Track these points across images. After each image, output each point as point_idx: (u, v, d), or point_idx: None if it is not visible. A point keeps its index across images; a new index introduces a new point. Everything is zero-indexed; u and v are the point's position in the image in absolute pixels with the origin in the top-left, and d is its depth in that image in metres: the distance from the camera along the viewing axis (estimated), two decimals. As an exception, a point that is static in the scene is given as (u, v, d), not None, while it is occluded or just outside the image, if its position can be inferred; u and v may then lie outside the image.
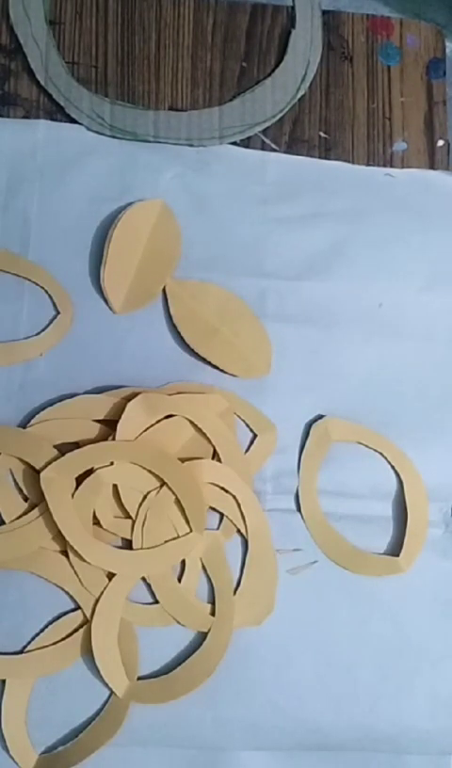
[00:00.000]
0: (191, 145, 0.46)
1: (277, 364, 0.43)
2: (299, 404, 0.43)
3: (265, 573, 0.40)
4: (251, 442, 0.42)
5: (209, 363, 0.42)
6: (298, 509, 0.42)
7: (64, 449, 0.39)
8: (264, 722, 0.39)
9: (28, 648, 0.38)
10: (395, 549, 0.42)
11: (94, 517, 0.38)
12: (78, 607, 0.38)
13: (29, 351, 0.41)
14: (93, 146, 0.45)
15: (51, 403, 0.40)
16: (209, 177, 0.45)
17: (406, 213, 0.47)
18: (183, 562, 0.40)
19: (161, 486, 0.39)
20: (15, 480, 0.39)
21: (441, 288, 0.46)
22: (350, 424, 0.43)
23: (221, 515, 0.41)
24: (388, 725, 0.40)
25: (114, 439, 0.39)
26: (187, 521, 0.39)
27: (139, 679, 0.38)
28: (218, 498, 0.40)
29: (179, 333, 0.42)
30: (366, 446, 0.43)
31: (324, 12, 0.49)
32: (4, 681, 0.37)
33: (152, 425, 0.40)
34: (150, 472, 0.39)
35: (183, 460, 0.39)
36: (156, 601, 0.39)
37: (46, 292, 0.42)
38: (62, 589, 0.39)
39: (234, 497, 0.40)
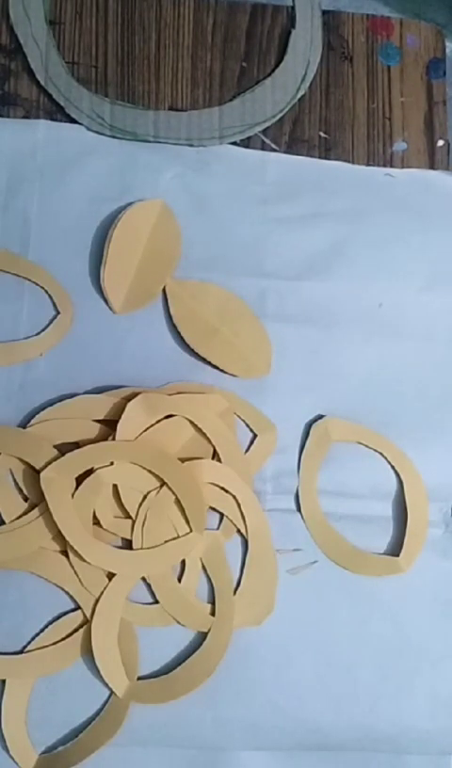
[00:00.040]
0: (191, 145, 0.46)
1: (277, 364, 0.43)
2: (299, 404, 0.43)
3: (265, 573, 0.40)
4: (251, 442, 0.42)
5: (209, 363, 0.42)
6: (298, 509, 0.42)
7: (64, 449, 0.39)
8: (264, 722, 0.39)
9: (28, 648, 0.38)
10: (395, 549, 0.42)
11: (94, 517, 0.38)
12: (78, 607, 0.38)
13: (29, 351, 0.41)
14: (93, 146, 0.45)
15: (51, 403, 0.40)
16: (209, 177, 0.45)
17: (406, 213, 0.47)
18: (183, 562, 0.40)
19: (161, 486, 0.39)
20: (15, 480, 0.39)
21: (441, 288, 0.46)
22: (350, 424, 0.43)
23: (221, 515, 0.41)
24: (388, 725, 0.40)
25: (114, 439, 0.39)
26: (187, 521, 0.39)
27: (139, 679, 0.38)
28: (218, 498, 0.40)
29: (179, 333, 0.42)
30: (366, 446, 0.43)
31: (324, 12, 0.49)
32: (4, 681, 0.37)
33: (152, 425, 0.40)
34: (150, 471, 0.39)
35: (183, 460, 0.39)
36: (156, 601, 0.39)
37: (46, 292, 0.42)
38: (62, 589, 0.39)
39: (234, 497, 0.40)
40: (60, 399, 0.41)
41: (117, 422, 0.39)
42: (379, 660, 0.41)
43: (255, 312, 0.44)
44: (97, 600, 0.38)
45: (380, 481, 0.43)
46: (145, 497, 0.39)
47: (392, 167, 0.48)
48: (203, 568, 0.40)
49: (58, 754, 0.37)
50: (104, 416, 0.40)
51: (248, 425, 0.42)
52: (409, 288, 0.46)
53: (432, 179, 0.48)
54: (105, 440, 0.39)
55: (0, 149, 0.44)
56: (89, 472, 0.38)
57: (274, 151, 0.47)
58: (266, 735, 0.39)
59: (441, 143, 0.49)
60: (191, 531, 0.39)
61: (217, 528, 0.41)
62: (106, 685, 0.38)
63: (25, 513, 0.38)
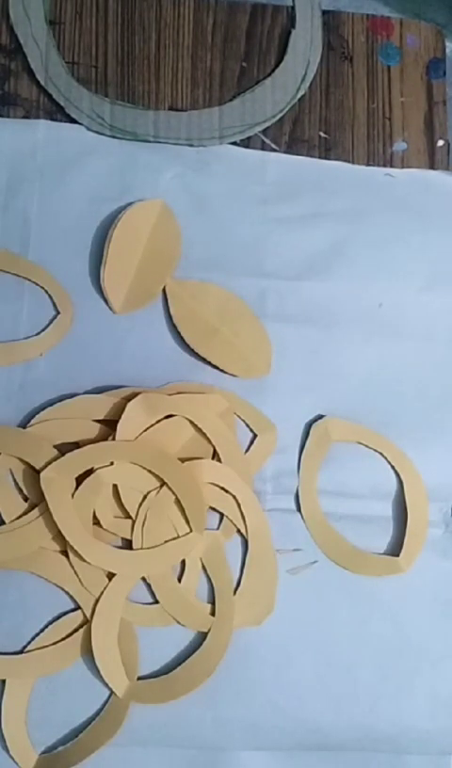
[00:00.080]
0: (191, 145, 0.46)
1: (277, 364, 0.43)
2: (299, 404, 0.43)
3: (265, 573, 0.40)
4: (251, 442, 0.42)
5: (209, 363, 0.42)
6: (298, 509, 0.42)
7: (64, 449, 0.39)
8: (264, 722, 0.39)
9: (28, 648, 0.38)
10: (395, 549, 0.42)
11: (94, 517, 0.38)
12: (78, 607, 0.38)
13: (29, 351, 0.41)
14: (93, 146, 0.45)
15: (51, 403, 0.40)
16: (209, 177, 0.45)
17: (406, 213, 0.47)
18: (183, 562, 0.40)
19: (161, 486, 0.39)
20: (15, 480, 0.39)
21: (441, 288, 0.46)
22: (350, 424, 0.43)
23: (221, 515, 0.41)
24: (388, 725, 0.40)
25: (114, 439, 0.39)
26: (187, 521, 0.39)
27: (139, 679, 0.38)
28: (218, 498, 0.40)
29: (179, 333, 0.42)
30: (366, 446, 0.43)
31: (324, 12, 0.49)
32: (4, 681, 0.37)
33: (152, 425, 0.40)
34: (150, 471, 0.39)
35: (183, 460, 0.39)
36: (156, 601, 0.39)
37: (46, 292, 0.42)
38: (62, 589, 0.39)
39: (234, 497, 0.40)
40: (60, 399, 0.41)
41: (117, 422, 0.39)
42: (379, 660, 0.41)
43: (255, 311, 0.44)
44: (97, 600, 0.38)
45: (380, 481, 0.43)
46: (145, 497, 0.39)
47: (392, 167, 0.48)
48: (203, 567, 0.40)
49: (58, 754, 0.37)
50: (105, 416, 0.40)
51: (248, 425, 0.42)
52: (409, 288, 0.46)
53: (432, 179, 0.48)
54: (105, 440, 0.39)
55: (0, 149, 0.44)
56: (89, 472, 0.38)
57: (274, 151, 0.47)
58: (266, 735, 0.39)
59: (441, 143, 0.49)
60: (191, 531, 0.39)
61: (217, 528, 0.41)
62: (106, 685, 0.38)
63: (25, 513, 0.38)
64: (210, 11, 0.48)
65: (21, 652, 0.38)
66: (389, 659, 0.41)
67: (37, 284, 0.42)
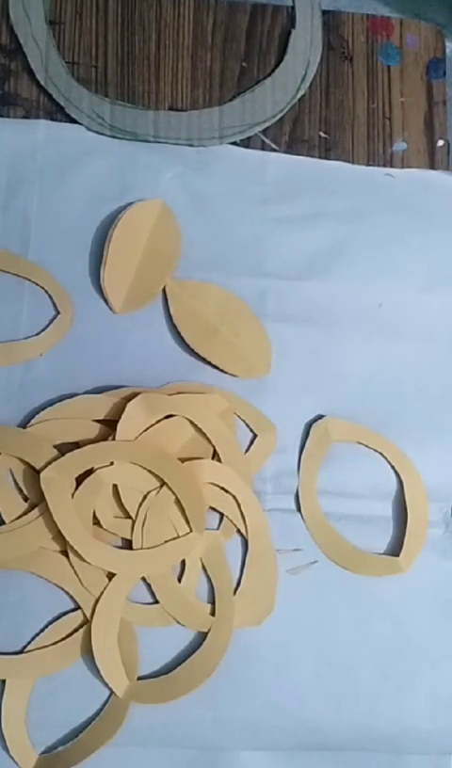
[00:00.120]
0: (191, 145, 0.46)
1: (277, 364, 0.43)
2: (299, 404, 0.43)
3: (265, 573, 0.40)
4: (251, 442, 0.42)
5: (209, 363, 0.42)
6: (298, 509, 0.42)
7: (64, 449, 0.39)
8: (264, 722, 0.39)
9: (28, 648, 0.38)
10: (395, 549, 0.42)
11: (94, 517, 0.38)
12: (78, 607, 0.38)
13: (29, 351, 0.41)
14: (93, 146, 0.45)
15: (51, 403, 0.40)
16: (209, 177, 0.45)
17: (406, 213, 0.47)
18: (183, 562, 0.40)
19: (161, 486, 0.39)
20: (15, 480, 0.39)
21: (441, 288, 0.46)
22: (350, 424, 0.43)
23: (221, 515, 0.41)
24: (388, 725, 0.40)
25: (114, 439, 0.39)
26: (187, 521, 0.39)
27: (139, 679, 0.38)
28: (218, 498, 0.40)
29: (179, 333, 0.42)
30: (366, 446, 0.43)
31: (324, 12, 0.49)
32: (4, 681, 0.37)
33: (152, 425, 0.40)
34: (150, 471, 0.39)
35: (183, 460, 0.39)
36: (156, 601, 0.39)
37: (46, 292, 0.42)
38: (62, 589, 0.39)
39: (234, 497, 0.40)
40: (60, 399, 0.41)
41: (117, 422, 0.39)
42: (379, 660, 0.41)
43: (255, 311, 0.44)
44: (97, 600, 0.38)
45: (380, 481, 0.43)
46: (145, 497, 0.39)
47: (392, 167, 0.48)
48: (203, 567, 0.40)
49: (58, 754, 0.37)
50: (105, 416, 0.40)
51: (248, 425, 0.42)
52: (409, 288, 0.46)
53: (432, 179, 0.48)
54: (105, 440, 0.39)
55: (0, 149, 0.44)
56: (89, 472, 0.38)
57: (274, 151, 0.47)
58: (266, 735, 0.39)
59: (441, 143, 0.49)
60: (191, 531, 0.39)
61: (217, 528, 0.41)
62: (106, 685, 0.38)
63: (25, 513, 0.38)
64: (210, 11, 0.48)
65: (21, 652, 0.38)
66: (389, 659, 0.41)
67: (37, 284, 0.42)
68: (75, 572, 0.38)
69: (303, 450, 0.42)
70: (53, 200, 0.43)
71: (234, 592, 0.40)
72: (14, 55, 0.45)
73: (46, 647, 0.38)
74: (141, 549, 0.39)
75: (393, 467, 0.43)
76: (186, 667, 0.38)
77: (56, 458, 0.38)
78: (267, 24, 0.48)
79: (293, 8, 0.48)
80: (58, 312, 0.42)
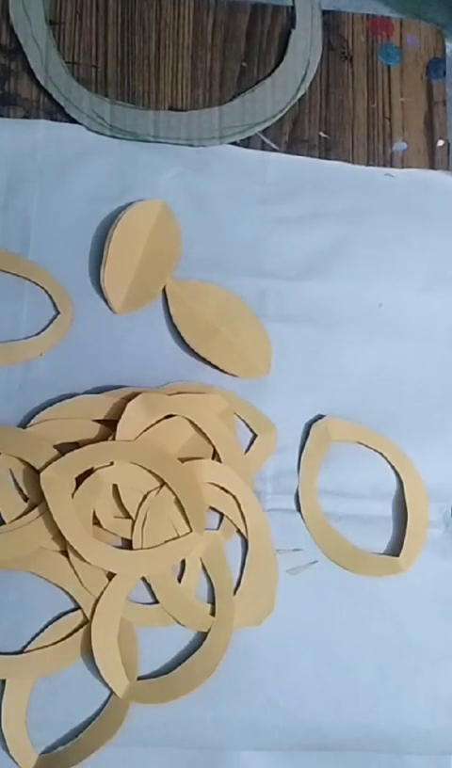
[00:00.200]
0: (191, 145, 0.46)
1: (277, 364, 0.43)
2: (299, 404, 0.43)
3: (265, 573, 0.40)
4: (251, 442, 0.42)
5: (209, 363, 0.42)
6: (298, 509, 0.42)
7: (64, 449, 0.39)
8: (264, 722, 0.39)
9: (28, 648, 0.38)
10: (395, 549, 0.42)
11: (94, 517, 0.38)
12: (78, 607, 0.38)
13: (29, 351, 0.41)
14: (93, 146, 0.45)
15: (51, 403, 0.40)
16: (209, 177, 0.45)
17: (406, 213, 0.47)
18: (183, 562, 0.40)
19: (161, 486, 0.39)
20: (15, 480, 0.39)
21: (441, 288, 0.46)
22: (350, 424, 0.43)
23: (221, 515, 0.41)
24: (388, 725, 0.40)
25: (114, 439, 0.39)
26: (187, 521, 0.39)
27: (139, 679, 0.38)
28: (218, 498, 0.40)
29: (179, 333, 0.42)
30: (366, 446, 0.43)
31: (324, 12, 0.49)
32: (4, 681, 0.37)
33: (152, 425, 0.40)
34: (150, 471, 0.39)
35: (183, 460, 0.39)
36: (156, 601, 0.39)
37: (46, 292, 0.42)
38: (62, 589, 0.39)
39: (234, 497, 0.40)
40: (60, 399, 0.41)
41: (117, 422, 0.39)
42: (379, 660, 0.41)
43: (255, 311, 0.44)
44: (97, 600, 0.38)
45: (380, 481, 0.43)
46: (145, 497, 0.39)
47: (392, 167, 0.48)
48: (203, 567, 0.40)
49: (58, 754, 0.37)
50: (105, 416, 0.40)
51: (248, 425, 0.42)
52: (409, 288, 0.46)
53: (432, 179, 0.48)
54: (105, 440, 0.39)
55: (0, 149, 0.44)
56: (89, 472, 0.38)
57: (274, 151, 0.47)
58: (266, 735, 0.39)
59: (441, 143, 0.49)
60: (191, 531, 0.39)
61: (217, 528, 0.41)
62: (106, 685, 0.38)
63: (25, 513, 0.38)
64: (210, 11, 0.48)
65: (21, 652, 0.38)
66: (389, 659, 0.41)
67: (37, 284, 0.42)
68: (75, 572, 0.38)
69: (303, 450, 0.42)
70: (53, 200, 0.43)
71: (234, 592, 0.40)
72: (14, 55, 0.45)
73: (46, 647, 0.38)
74: (141, 549, 0.39)
75: (393, 467, 0.43)
76: (186, 667, 0.38)
77: (56, 458, 0.38)
78: (267, 24, 0.48)
79: (293, 8, 0.48)
80: (58, 312, 0.42)
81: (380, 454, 0.43)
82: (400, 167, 0.48)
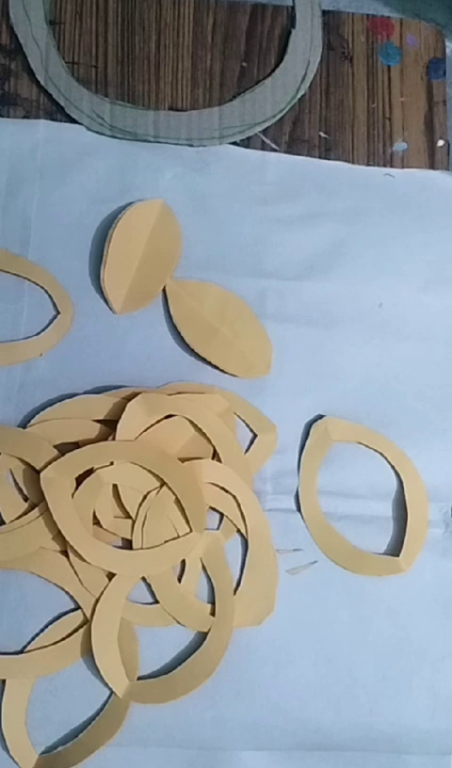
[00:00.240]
0: (191, 145, 0.46)
1: (277, 364, 0.43)
2: (299, 404, 0.43)
3: (265, 573, 0.40)
4: (251, 442, 0.42)
5: (209, 363, 0.42)
6: (298, 509, 0.42)
7: (64, 449, 0.39)
8: (264, 722, 0.39)
9: (28, 648, 0.38)
10: (395, 549, 0.42)
11: (94, 517, 0.38)
12: (78, 607, 0.38)
13: (29, 351, 0.41)
14: (93, 146, 0.45)
15: (51, 403, 0.40)
16: (209, 177, 0.45)
17: (406, 213, 0.47)
18: (183, 562, 0.40)
19: (161, 486, 0.39)
20: (15, 480, 0.39)
21: (441, 288, 0.46)
22: (350, 424, 0.43)
23: (221, 515, 0.41)
24: (388, 725, 0.40)
25: (114, 439, 0.39)
26: (187, 521, 0.39)
27: (139, 679, 0.38)
28: (218, 498, 0.40)
29: (179, 333, 0.42)
30: (366, 446, 0.43)
31: (324, 12, 0.49)
32: (4, 681, 0.37)
33: (152, 425, 0.40)
34: (150, 471, 0.39)
35: (183, 460, 0.39)
36: (156, 601, 0.39)
37: (46, 292, 0.42)
38: (62, 589, 0.39)
39: (234, 497, 0.40)
40: (60, 399, 0.41)
41: (117, 422, 0.39)
42: (379, 660, 0.41)
43: (255, 311, 0.44)
44: (97, 600, 0.38)
45: (380, 481, 0.43)
46: (145, 497, 0.39)
47: (392, 167, 0.48)
48: (203, 567, 0.40)
49: (58, 754, 0.37)
50: (105, 416, 0.40)
51: (248, 425, 0.42)
52: (409, 288, 0.46)
53: (432, 179, 0.48)
54: (105, 440, 0.39)
55: (0, 149, 0.44)
56: (89, 472, 0.38)
57: (274, 151, 0.47)
58: (266, 735, 0.39)
59: (441, 143, 0.49)
60: (191, 531, 0.39)
61: (217, 528, 0.41)
62: (106, 685, 0.38)
63: (25, 513, 0.38)
64: (210, 11, 0.48)
65: (21, 652, 0.38)
66: (389, 659, 0.41)
67: (37, 284, 0.42)
68: (75, 572, 0.38)
69: (303, 450, 0.42)
70: (53, 200, 0.43)
71: (234, 592, 0.40)
72: (14, 55, 0.45)
73: (46, 647, 0.38)
74: (141, 549, 0.39)
75: (393, 467, 0.43)
76: (186, 667, 0.38)
77: (56, 458, 0.38)
78: (267, 24, 0.48)
79: (293, 8, 0.48)
80: (58, 312, 0.42)
81: (380, 454, 0.43)
82: (400, 167, 0.48)
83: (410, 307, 0.45)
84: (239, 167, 0.46)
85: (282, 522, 0.41)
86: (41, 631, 0.38)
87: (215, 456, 0.41)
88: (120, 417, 0.39)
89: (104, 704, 0.38)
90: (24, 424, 0.40)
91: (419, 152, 0.48)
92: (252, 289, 0.44)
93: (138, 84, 0.46)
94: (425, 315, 0.45)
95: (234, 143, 0.46)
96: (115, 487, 0.39)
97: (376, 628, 0.41)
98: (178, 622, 0.39)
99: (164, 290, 0.43)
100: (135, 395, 0.40)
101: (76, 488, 0.38)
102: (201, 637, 0.39)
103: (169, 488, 0.39)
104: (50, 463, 0.38)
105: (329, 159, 0.47)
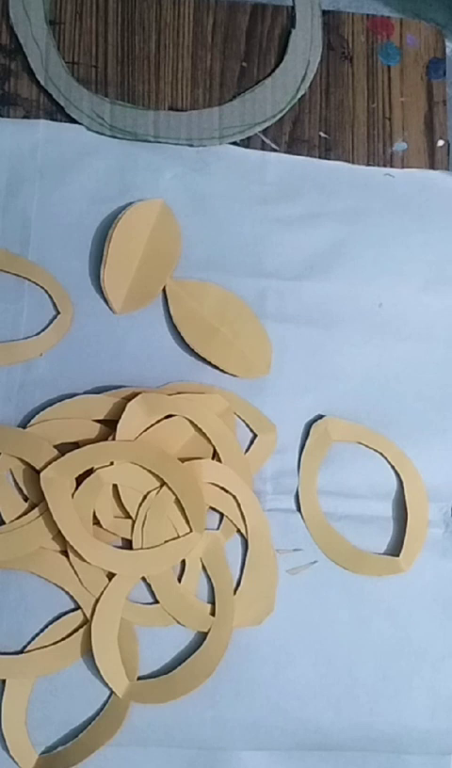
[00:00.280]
0: (191, 145, 0.46)
1: (277, 364, 0.43)
2: (299, 404, 0.43)
3: (265, 573, 0.40)
4: (251, 442, 0.42)
5: (209, 363, 0.42)
6: (298, 509, 0.42)
7: (64, 449, 0.39)
8: (264, 722, 0.39)
9: (28, 648, 0.38)
10: (395, 549, 0.42)
11: (94, 517, 0.38)
12: (78, 607, 0.38)
13: (29, 351, 0.41)
14: (93, 146, 0.45)
15: (51, 403, 0.40)
16: (209, 177, 0.45)
17: (406, 213, 0.47)
18: (183, 562, 0.40)
19: (161, 486, 0.39)
20: (15, 480, 0.39)
21: (441, 288, 0.46)
22: (350, 424, 0.43)
23: (221, 515, 0.41)
24: (388, 725, 0.40)
25: (114, 439, 0.39)
26: (187, 521, 0.39)
27: (139, 679, 0.38)
28: (218, 498, 0.40)
29: (179, 333, 0.42)
30: (366, 446, 0.43)
31: (324, 12, 0.49)
32: (4, 681, 0.37)
33: (152, 425, 0.40)
34: (150, 471, 0.39)
35: (183, 460, 0.39)
36: (156, 601, 0.39)
37: (46, 292, 0.42)
38: (62, 589, 0.39)
39: (234, 497, 0.40)
40: (60, 399, 0.41)
41: (117, 422, 0.39)
42: (379, 660, 0.41)
43: (255, 311, 0.44)
44: (97, 600, 0.38)
45: (380, 481, 0.43)
46: (145, 497, 0.39)
47: (392, 167, 0.48)
48: (203, 568, 0.40)
49: (58, 754, 0.37)
50: (105, 416, 0.40)
51: (248, 425, 0.42)
52: (409, 288, 0.46)
53: (432, 179, 0.48)
54: (105, 440, 0.39)
55: (0, 149, 0.44)
56: (89, 472, 0.38)
57: (274, 151, 0.47)
58: (266, 735, 0.39)
59: (441, 143, 0.49)
60: (191, 531, 0.39)
61: (217, 528, 0.41)
62: (106, 685, 0.38)
63: (25, 513, 0.38)
64: (210, 11, 0.48)
65: (21, 652, 0.38)
66: (389, 659, 0.41)
67: (37, 284, 0.42)
68: (75, 572, 0.38)
69: (303, 450, 0.42)
70: (53, 200, 0.43)
71: (234, 592, 0.40)
72: (14, 55, 0.45)
73: (46, 647, 0.38)
74: (141, 549, 0.39)
75: (393, 467, 0.43)
76: (186, 667, 0.38)
77: (56, 458, 0.38)
78: (267, 24, 0.48)
79: (293, 8, 0.48)
80: (58, 312, 0.42)
81: (380, 454, 0.43)
82: (400, 167, 0.48)
83: (410, 307, 0.45)
84: (239, 167, 0.46)
85: (282, 522, 0.41)
86: (41, 631, 0.38)
87: (215, 455, 0.41)
88: (120, 417, 0.39)
89: (104, 704, 0.38)
90: (24, 424, 0.40)
91: (419, 152, 0.48)
92: (252, 289, 0.44)
93: (138, 84, 0.46)
94: (425, 315, 0.45)
95: (234, 143, 0.46)
96: (115, 487, 0.39)
97: (376, 628, 0.41)
98: (178, 622, 0.39)
99: (164, 290, 0.43)
100: (135, 395, 0.40)
101: (76, 488, 0.38)
102: (201, 637, 0.39)
103: (169, 488, 0.39)
104: (50, 463, 0.38)
105: (329, 159, 0.47)
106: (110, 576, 0.38)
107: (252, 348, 0.43)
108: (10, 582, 0.39)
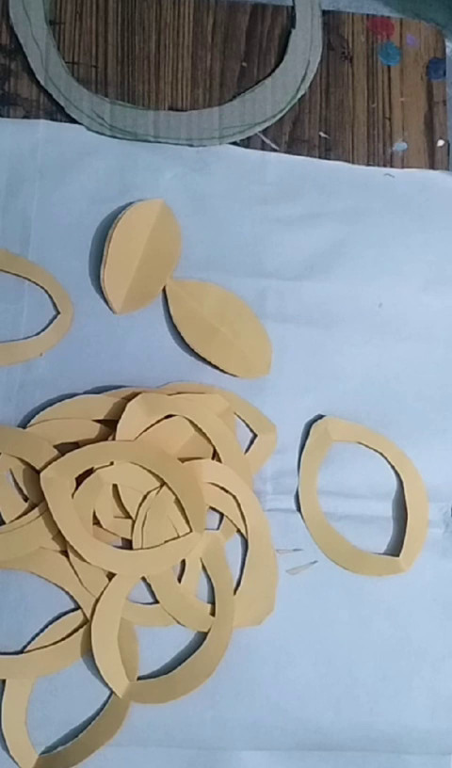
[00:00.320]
0: (191, 145, 0.46)
1: (277, 364, 0.43)
2: (299, 404, 0.43)
3: (265, 573, 0.40)
4: (251, 442, 0.42)
5: (209, 363, 0.42)
6: (298, 509, 0.42)
7: (64, 449, 0.39)
8: (264, 722, 0.39)
9: (28, 648, 0.38)
10: (395, 549, 0.42)
11: (94, 517, 0.38)
12: (78, 607, 0.38)
13: (29, 351, 0.41)
14: (93, 146, 0.45)
15: (51, 403, 0.40)
16: (209, 177, 0.45)
17: (406, 213, 0.47)
18: (183, 562, 0.40)
19: (161, 486, 0.39)
20: (15, 480, 0.39)
21: (441, 288, 0.46)
22: (350, 424, 0.43)
23: (221, 515, 0.41)
24: (388, 725, 0.40)
25: (114, 439, 0.39)
26: (187, 521, 0.39)
27: (139, 679, 0.38)
28: (218, 498, 0.40)
29: (179, 333, 0.42)
30: (366, 446, 0.43)
31: (324, 12, 0.49)
32: (4, 681, 0.37)
33: (152, 425, 0.40)
34: (150, 471, 0.39)
35: (183, 460, 0.39)
36: (156, 601, 0.39)
37: (46, 292, 0.42)
38: (62, 589, 0.39)
39: (234, 497, 0.40)
40: (60, 399, 0.41)
41: (117, 422, 0.39)
42: (379, 660, 0.41)
43: (255, 311, 0.44)
44: (97, 600, 0.38)
45: (380, 481, 0.43)
46: (145, 497, 0.39)
47: (392, 167, 0.48)
48: (203, 567, 0.40)
49: (58, 754, 0.37)
50: (105, 416, 0.40)
51: (248, 425, 0.42)
52: (409, 288, 0.46)
53: (432, 179, 0.48)
54: (105, 440, 0.39)
55: (0, 149, 0.44)
56: (89, 472, 0.38)
57: (274, 151, 0.47)
58: (266, 735, 0.39)
59: (441, 143, 0.49)
60: (191, 531, 0.39)
61: (217, 528, 0.41)
62: (106, 685, 0.38)
63: (25, 513, 0.38)
64: (210, 11, 0.48)
65: (21, 652, 0.38)
66: (389, 659, 0.41)
67: (37, 284, 0.42)
68: (75, 572, 0.38)
69: (303, 450, 0.42)
70: (53, 200, 0.43)
71: (234, 592, 0.40)
72: (14, 55, 0.45)
73: (46, 647, 0.38)
74: (141, 549, 0.39)
75: (393, 467, 0.43)
76: (186, 667, 0.38)
77: (56, 458, 0.38)
78: (267, 24, 0.48)
79: (293, 8, 0.48)
80: (58, 312, 0.42)
81: (380, 454, 0.43)
82: (400, 167, 0.48)
83: (410, 307, 0.45)
84: (239, 167, 0.46)
85: (282, 522, 0.41)
86: (41, 631, 0.38)
87: (215, 455, 0.41)
88: (120, 417, 0.39)
89: (104, 704, 0.38)
90: (24, 424, 0.40)
91: (419, 152, 0.48)
92: (252, 289, 0.44)
93: (138, 84, 0.46)
94: (425, 315, 0.45)
95: (234, 143, 0.46)
96: (115, 487, 0.39)
97: (376, 628, 0.41)
98: (178, 622, 0.39)
99: (164, 290, 0.43)
100: (135, 395, 0.40)
101: (76, 488, 0.38)
102: (201, 637, 0.39)
103: (169, 488, 0.39)
104: (50, 463, 0.38)
105: (329, 159, 0.47)
106: (110, 576, 0.38)
107: (252, 348, 0.43)
108: (10, 582, 0.39)
